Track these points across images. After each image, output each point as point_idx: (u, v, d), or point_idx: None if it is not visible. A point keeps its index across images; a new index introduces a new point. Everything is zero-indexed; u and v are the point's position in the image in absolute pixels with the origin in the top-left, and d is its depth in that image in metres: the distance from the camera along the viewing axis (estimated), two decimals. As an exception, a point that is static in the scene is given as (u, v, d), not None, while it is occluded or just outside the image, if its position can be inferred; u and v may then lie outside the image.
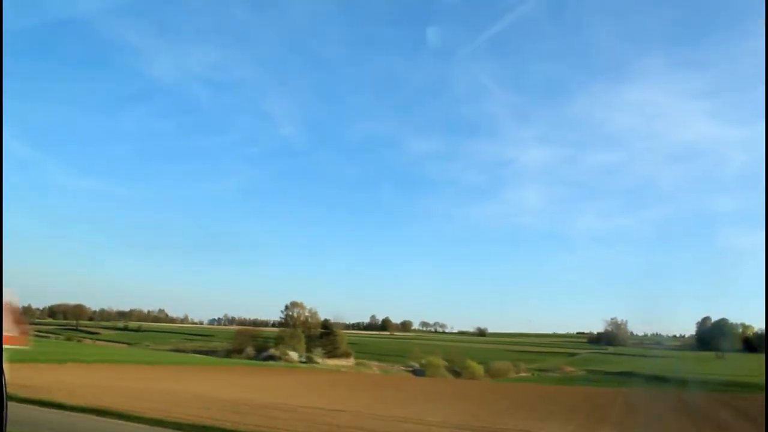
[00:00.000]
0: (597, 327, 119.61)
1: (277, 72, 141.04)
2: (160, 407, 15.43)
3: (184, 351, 78.38)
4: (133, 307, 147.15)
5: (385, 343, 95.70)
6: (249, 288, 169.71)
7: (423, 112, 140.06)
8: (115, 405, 14.96)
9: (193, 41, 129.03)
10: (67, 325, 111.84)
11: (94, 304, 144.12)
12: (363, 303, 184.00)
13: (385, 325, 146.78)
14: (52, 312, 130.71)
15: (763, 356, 59.91)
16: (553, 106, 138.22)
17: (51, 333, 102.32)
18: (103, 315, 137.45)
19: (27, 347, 16.38)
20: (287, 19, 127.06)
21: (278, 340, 73.79)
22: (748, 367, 52.17)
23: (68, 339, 79.69)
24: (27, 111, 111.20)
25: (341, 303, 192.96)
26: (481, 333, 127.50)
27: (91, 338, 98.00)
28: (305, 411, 17.34)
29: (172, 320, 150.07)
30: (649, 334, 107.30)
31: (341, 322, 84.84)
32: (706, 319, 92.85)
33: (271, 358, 59.62)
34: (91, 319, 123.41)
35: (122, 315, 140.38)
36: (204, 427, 12.79)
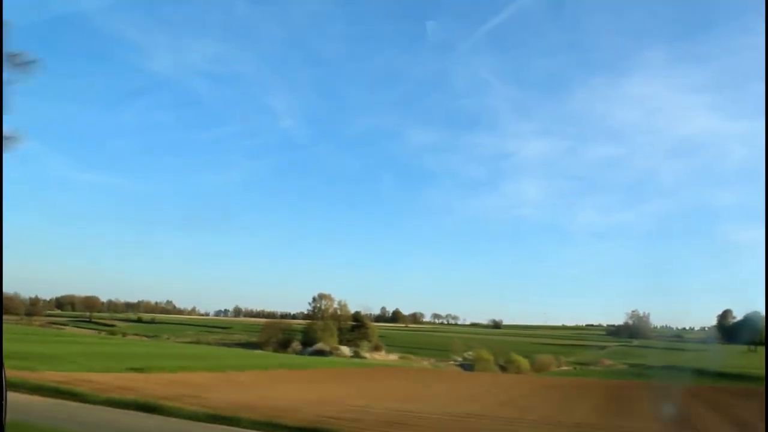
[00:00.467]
0: (605, 319, 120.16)
1: (278, 65, 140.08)
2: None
3: (207, 343, 76.87)
4: (140, 299, 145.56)
5: (407, 335, 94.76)
6: (255, 280, 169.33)
7: (423, 106, 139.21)
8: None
9: (193, 35, 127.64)
10: (79, 316, 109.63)
11: (99, 296, 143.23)
12: (365, 295, 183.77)
13: (396, 316, 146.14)
14: (60, 303, 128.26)
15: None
16: (554, 99, 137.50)
17: (64, 325, 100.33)
18: (111, 306, 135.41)
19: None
20: (287, 13, 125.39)
21: (309, 333, 72.54)
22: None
23: (112, 333, 77.54)
24: (30, 107, 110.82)
25: (344, 295, 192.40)
26: (496, 325, 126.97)
27: (107, 330, 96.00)
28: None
29: (180, 312, 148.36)
30: (668, 327, 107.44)
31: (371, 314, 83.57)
32: (727, 312, 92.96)
33: (320, 352, 58.26)
34: (99, 311, 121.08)
35: (129, 306, 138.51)
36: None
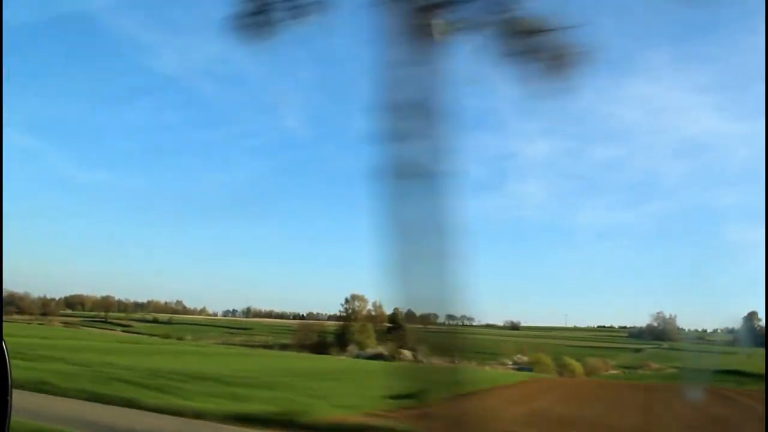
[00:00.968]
0: (617, 321, 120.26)
1: (281, 64, 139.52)
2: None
3: (233, 344, 75.08)
4: (149, 298, 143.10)
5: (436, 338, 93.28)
6: (263, 279, 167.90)
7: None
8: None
9: (196, 34, 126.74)
10: (95, 316, 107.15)
11: (102, 295, 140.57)
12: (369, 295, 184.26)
13: (411, 318, 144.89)
14: (69, 303, 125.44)
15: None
16: (557, 99, 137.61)
17: (83, 326, 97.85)
18: (120, 306, 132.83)
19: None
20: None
21: (344, 335, 71.06)
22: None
23: (166, 336, 75.09)
24: (34, 105, 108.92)
25: (344, 295, 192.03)
26: (515, 326, 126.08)
27: (125, 330, 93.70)
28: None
29: (191, 311, 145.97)
30: (691, 330, 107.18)
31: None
32: (752, 314, 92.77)
33: (380, 357, 56.79)
34: (114, 311, 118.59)
35: (138, 306, 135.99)
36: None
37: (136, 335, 75.81)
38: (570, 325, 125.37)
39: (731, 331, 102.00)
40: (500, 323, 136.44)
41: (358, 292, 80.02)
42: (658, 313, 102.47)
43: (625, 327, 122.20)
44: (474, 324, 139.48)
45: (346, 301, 79.23)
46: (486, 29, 8.80)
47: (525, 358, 59.51)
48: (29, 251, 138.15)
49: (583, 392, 33.40)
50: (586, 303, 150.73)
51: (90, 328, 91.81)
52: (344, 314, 79.92)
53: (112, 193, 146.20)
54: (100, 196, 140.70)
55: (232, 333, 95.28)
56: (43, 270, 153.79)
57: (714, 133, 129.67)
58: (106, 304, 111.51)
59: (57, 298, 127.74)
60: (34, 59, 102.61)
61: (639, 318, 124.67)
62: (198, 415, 12.99)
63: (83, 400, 14.12)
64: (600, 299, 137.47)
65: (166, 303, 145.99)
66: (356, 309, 78.33)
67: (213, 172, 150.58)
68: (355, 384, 25.52)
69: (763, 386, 37.08)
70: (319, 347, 70.09)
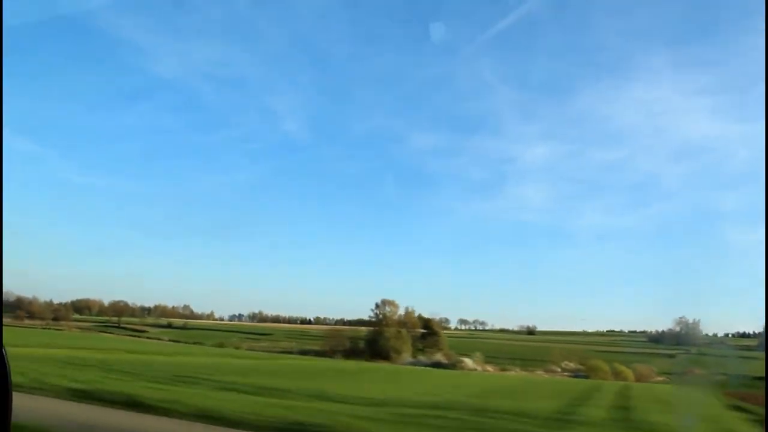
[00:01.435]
0: (625, 325, 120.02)
1: (281, 68, 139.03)
2: None
3: (272, 351, 72.98)
4: (156, 303, 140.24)
5: (461, 342, 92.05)
6: (269, 283, 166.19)
7: (427, 109, 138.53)
8: None
9: (196, 37, 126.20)
10: (106, 321, 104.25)
11: (106, 299, 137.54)
12: (371, 299, 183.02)
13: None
14: (77, 307, 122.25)
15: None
16: (557, 102, 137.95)
17: (97, 331, 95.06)
18: (126, 310, 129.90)
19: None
20: (291, 15, 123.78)
21: (378, 341, 69.31)
22: None
23: (220, 345, 72.14)
24: (33, 108, 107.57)
25: (350, 299, 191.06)
26: (530, 331, 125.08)
27: (149, 337, 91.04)
28: None
29: (199, 316, 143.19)
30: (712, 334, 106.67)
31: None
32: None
33: (439, 365, 55.03)
34: (127, 316, 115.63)
35: (145, 310, 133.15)
36: None
37: (185, 344, 73.41)
38: (586, 329, 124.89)
39: (748, 336, 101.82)
40: (513, 328, 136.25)
41: (388, 297, 78.46)
42: (681, 317, 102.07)
43: (635, 331, 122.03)
44: (487, 329, 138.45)
45: (377, 306, 77.50)
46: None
47: (572, 365, 58.22)
48: (33, 255, 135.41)
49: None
50: (588, 306, 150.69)
51: (107, 334, 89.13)
52: (374, 319, 78.08)
53: (112, 196, 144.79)
54: (99, 199, 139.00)
55: (251, 339, 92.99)
56: (47, 274, 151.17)
57: (714, 135, 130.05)
58: (117, 308, 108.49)
59: (63, 303, 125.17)
60: (31, 60, 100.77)
61: (645, 322, 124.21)
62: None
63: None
64: (602, 303, 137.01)
65: (173, 307, 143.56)
66: (387, 314, 76.57)
67: (213, 175, 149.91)
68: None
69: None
70: (353, 353, 68.24)
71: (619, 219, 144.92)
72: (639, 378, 56.26)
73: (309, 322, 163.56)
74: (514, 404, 19.51)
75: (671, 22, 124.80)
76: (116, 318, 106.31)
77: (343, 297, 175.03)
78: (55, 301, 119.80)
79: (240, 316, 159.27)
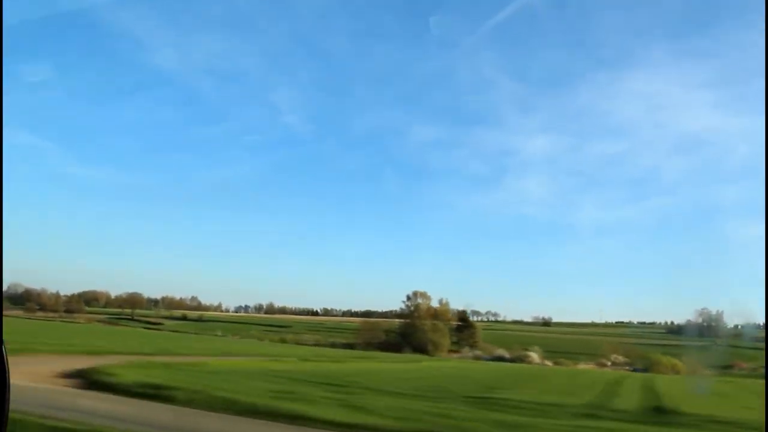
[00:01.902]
0: (635, 316, 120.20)
1: (281, 62, 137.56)
2: None
3: (305, 344, 70.90)
4: (164, 294, 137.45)
5: (490, 335, 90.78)
6: (267, 275, 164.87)
7: (427, 102, 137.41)
8: None
9: (197, 31, 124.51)
10: (119, 314, 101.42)
11: (113, 291, 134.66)
12: (375, 291, 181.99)
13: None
14: (84, 300, 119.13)
15: None
16: (558, 96, 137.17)
17: (109, 323, 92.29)
18: (135, 302, 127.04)
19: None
20: (291, 9, 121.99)
21: (415, 334, 67.60)
22: None
23: (282, 341, 68.97)
24: (32, 102, 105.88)
25: (349, 292, 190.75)
26: (546, 323, 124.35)
27: (172, 330, 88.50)
28: None
29: (207, 308, 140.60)
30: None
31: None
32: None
33: (502, 359, 53.29)
34: (141, 308, 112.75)
35: (151, 302, 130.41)
36: None
37: (220, 336, 70.93)
38: (595, 321, 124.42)
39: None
40: (527, 319, 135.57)
41: (420, 289, 76.71)
42: (702, 309, 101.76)
43: (644, 323, 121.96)
44: (500, 320, 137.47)
45: (408, 298, 75.75)
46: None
47: (621, 358, 56.96)
48: (38, 248, 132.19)
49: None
50: (590, 298, 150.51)
51: (122, 327, 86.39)
52: (405, 311, 76.34)
53: (113, 189, 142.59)
54: (100, 192, 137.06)
55: (272, 331, 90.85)
56: (52, 266, 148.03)
57: (714, 129, 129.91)
58: (133, 301, 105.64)
59: (71, 295, 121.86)
60: (30, 56, 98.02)
61: (649, 314, 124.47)
62: None
63: None
64: (603, 294, 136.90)
65: (180, 299, 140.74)
66: (419, 306, 74.84)
67: (213, 169, 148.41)
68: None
69: None
70: (388, 346, 66.42)
71: (618, 212, 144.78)
72: (691, 371, 55.17)
73: (315, 314, 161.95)
74: (708, 409, 17.71)
75: (671, 15, 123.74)
76: (129, 310, 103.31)
77: (347, 289, 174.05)
78: (62, 293, 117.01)
79: (246, 308, 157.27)
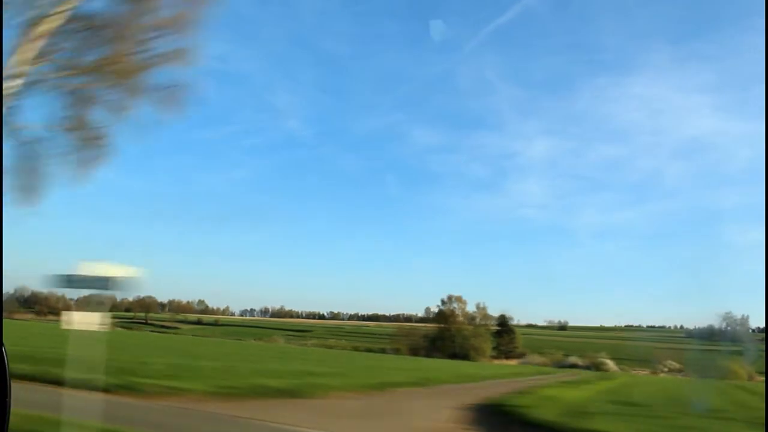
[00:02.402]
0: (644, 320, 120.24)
1: (283, 65, 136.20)
2: None
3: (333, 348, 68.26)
4: (171, 298, 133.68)
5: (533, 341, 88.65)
6: (270, 279, 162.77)
7: (428, 106, 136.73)
8: None
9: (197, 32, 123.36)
10: (133, 317, 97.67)
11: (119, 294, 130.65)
12: (373, 296, 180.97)
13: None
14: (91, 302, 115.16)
15: None
16: (558, 99, 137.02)
17: (123, 327, 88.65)
18: (143, 305, 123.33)
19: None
20: (293, 12, 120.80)
21: (458, 339, 65.36)
22: None
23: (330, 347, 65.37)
24: (32, 105, 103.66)
25: (350, 296, 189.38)
26: (562, 327, 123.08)
27: (177, 333, 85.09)
28: None
29: (214, 312, 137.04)
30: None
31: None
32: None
33: (575, 366, 51.11)
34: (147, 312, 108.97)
35: (161, 306, 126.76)
36: None
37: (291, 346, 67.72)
38: (603, 324, 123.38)
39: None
40: (540, 323, 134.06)
41: (455, 293, 74.53)
42: (726, 312, 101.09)
43: (653, 326, 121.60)
44: (513, 324, 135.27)
45: (443, 302, 73.49)
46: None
47: (676, 365, 55.35)
48: (42, 249, 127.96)
49: None
50: (591, 302, 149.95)
51: (138, 331, 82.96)
52: (439, 316, 74.04)
53: (115, 192, 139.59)
54: (102, 195, 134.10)
55: (293, 336, 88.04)
56: (57, 269, 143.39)
57: (715, 132, 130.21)
58: (146, 304, 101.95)
59: (77, 298, 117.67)
60: None
61: (651, 317, 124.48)
62: None
63: None
64: (603, 298, 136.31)
65: (188, 302, 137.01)
66: (456, 311, 72.66)
67: (214, 172, 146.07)
68: None
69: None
70: (425, 352, 64.01)
71: (619, 216, 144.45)
72: (749, 377, 53.88)
73: (323, 317, 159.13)
74: None
75: (672, 19, 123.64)
76: (143, 313, 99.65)
77: (350, 292, 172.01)
78: (68, 297, 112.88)
79: (252, 311, 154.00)
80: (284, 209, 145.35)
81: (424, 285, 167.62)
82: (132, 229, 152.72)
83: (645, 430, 11.42)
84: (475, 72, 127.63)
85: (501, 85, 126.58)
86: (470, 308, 71.31)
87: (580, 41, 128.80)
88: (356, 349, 68.46)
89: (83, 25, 8.12)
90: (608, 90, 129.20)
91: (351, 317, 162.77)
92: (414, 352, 63.56)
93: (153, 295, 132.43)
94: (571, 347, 77.45)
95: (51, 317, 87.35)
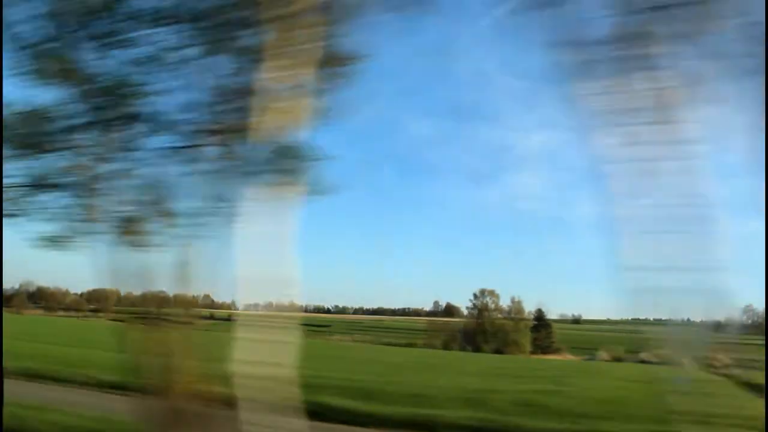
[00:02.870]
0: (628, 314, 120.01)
1: None
2: None
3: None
4: (175, 291, 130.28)
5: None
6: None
7: (424, 97, 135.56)
8: None
9: None
10: (145, 313, 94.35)
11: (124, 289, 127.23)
12: (368, 290, 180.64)
13: (451, 311, 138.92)
14: (98, 298, 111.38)
15: None
16: (555, 91, 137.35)
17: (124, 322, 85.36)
18: (149, 300, 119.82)
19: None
20: None
21: (498, 334, 63.49)
22: None
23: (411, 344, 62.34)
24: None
25: (346, 288, 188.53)
26: (576, 320, 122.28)
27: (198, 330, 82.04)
28: None
29: (220, 306, 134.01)
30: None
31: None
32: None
33: (645, 362, 49.13)
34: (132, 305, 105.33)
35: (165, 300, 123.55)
36: None
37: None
38: (610, 317, 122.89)
39: None
40: (553, 316, 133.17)
41: (488, 286, 72.67)
42: (746, 306, 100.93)
43: (660, 320, 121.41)
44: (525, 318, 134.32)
45: (475, 296, 71.60)
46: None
47: (726, 359, 54.00)
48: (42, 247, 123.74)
49: None
50: (587, 293, 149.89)
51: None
52: (473, 310, 72.17)
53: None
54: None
55: (314, 331, 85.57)
56: (56, 264, 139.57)
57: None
58: (158, 299, 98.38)
59: (80, 293, 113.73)
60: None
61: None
62: None
63: None
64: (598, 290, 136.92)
65: (193, 297, 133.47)
66: (489, 305, 70.80)
67: None
68: None
69: None
70: (457, 346, 61.97)
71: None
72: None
73: (328, 311, 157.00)
74: None
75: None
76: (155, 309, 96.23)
77: (348, 285, 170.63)
78: (72, 291, 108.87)
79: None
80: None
81: (426, 278, 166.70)
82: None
83: None
84: (473, 64, 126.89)
85: (498, 77, 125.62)
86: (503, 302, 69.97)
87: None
88: (389, 344, 66.24)
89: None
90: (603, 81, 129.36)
91: (356, 311, 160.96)
92: (447, 346, 61.65)
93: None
94: (596, 341, 76.09)
95: (62, 313, 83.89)
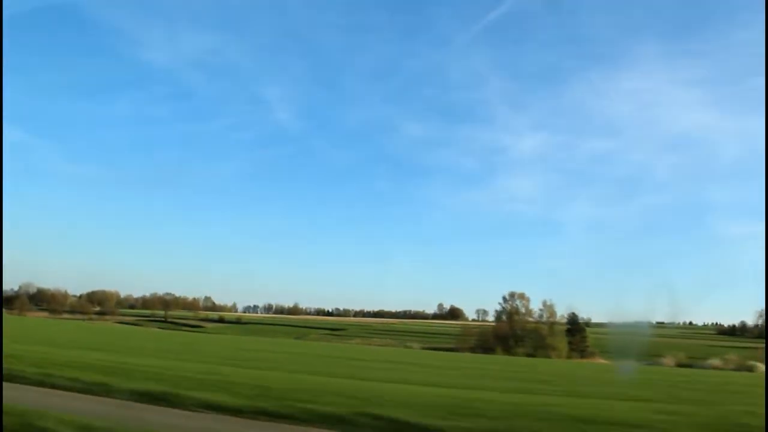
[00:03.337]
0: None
1: (273, 57, 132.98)
2: None
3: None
4: (178, 294, 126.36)
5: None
6: (268, 274, 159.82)
7: (418, 99, 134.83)
8: None
9: (188, 27, 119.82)
10: (152, 316, 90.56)
11: (122, 290, 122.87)
12: (367, 291, 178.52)
13: (456, 314, 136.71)
14: (99, 300, 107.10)
15: None
16: (549, 93, 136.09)
17: (137, 325, 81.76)
18: (152, 302, 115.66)
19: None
20: (283, 4, 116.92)
21: (534, 338, 61.26)
22: None
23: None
24: (24, 98, 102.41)
25: (343, 292, 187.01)
26: (587, 324, 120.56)
27: (206, 332, 78.59)
28: None
29: (221, 308, 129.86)
30: None
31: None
32: None
33: (691, 366, 46.92)
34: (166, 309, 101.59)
35: (164, 303, 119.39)
36: None
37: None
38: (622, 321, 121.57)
39: None
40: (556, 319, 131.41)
41: (518, 290, 70.47)
42: (760, 310, 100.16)
43: (662, 323, 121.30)
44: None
45: (504, 299, 69.36)
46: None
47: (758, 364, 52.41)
48: (37, 246, 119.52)
49: None
50: (583, 295, 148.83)
51: (166, 330, 76.25)
52: (503, 313, 69.86)
53: (105, 186, 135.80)
54: (92, 189, 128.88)
55: (329, 335, 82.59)
56: (56, 265, 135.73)
57: (705, 127, 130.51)
58: (166, 302, 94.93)
59: (80, 294, 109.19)
60: (20, 50, 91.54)
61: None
62: None
63: None
64: (593, 292, 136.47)
65: (194, 299, 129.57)
66: (519, 308, 68.59)
67: (204, 166, 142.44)
68: None
69: None
70: (488, 350, 59.54)
71: (608, 210, 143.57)
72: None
73: (329, 314, 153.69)
74: None
75: (664, 13, 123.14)
76: (162, 311, 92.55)
77: (352, 288, 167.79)
78: (71, 293, 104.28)
79: (255, 308, 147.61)
80: (275, 202, 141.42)
81: (423, 281, 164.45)
82: (127, 222, 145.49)
83: None
84: (466, 65, 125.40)
85: (492, 79, 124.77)
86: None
87: (572, 36, 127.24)
88: (433, 348, 63.71)
89: None
90: (599, 84, 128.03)
91: (356, 314, 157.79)
92: (482, 350, 59.24)
93: (152, 290, 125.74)
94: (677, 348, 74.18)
95: (67, 316, 79.61)
